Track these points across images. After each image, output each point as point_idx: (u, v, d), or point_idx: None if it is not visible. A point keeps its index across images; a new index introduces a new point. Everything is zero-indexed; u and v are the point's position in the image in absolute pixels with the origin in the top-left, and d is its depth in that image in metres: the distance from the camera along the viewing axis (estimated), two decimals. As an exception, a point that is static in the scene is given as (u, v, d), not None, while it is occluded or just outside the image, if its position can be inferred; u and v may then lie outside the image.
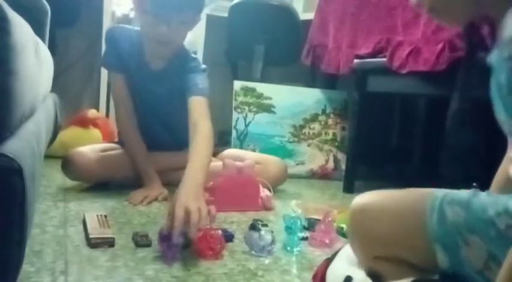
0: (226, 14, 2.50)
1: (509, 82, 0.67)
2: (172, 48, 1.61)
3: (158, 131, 1.73)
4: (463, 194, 0.72)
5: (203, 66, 1.68)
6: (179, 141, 1.75)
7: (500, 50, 0.69)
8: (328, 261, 0.86)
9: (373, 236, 0.77)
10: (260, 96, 2.21)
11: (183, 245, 1.03)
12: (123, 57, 1.65)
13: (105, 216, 1.19)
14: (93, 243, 1.04)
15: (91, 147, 1.65)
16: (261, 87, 2.23)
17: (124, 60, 1.65)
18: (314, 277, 0.87)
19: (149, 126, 1.70)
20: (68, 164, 1.56)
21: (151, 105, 1.70)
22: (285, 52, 2.51)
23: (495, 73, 0.70)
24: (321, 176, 2.20)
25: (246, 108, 2.19)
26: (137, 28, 1.68)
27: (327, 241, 1.18)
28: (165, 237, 1.02)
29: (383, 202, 0.78)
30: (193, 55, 1.71)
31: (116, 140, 1.96)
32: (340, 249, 0.88)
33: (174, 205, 1.07)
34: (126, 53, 1.65)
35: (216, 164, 1.58)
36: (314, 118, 2.26)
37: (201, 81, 1.60)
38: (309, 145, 2.23)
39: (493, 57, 0.70)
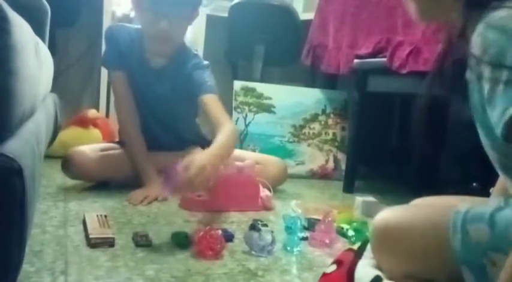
0: (226, 14, 2.51)
1: (482, 101, 0.66)
2: (172, 45, 1.62)
3: (158, 130, 1.73)
4: (486, 208, 0.69)
5: (205, 62, 1.69)
6: (179, 141, 1.76)
7: (469, 71, 0.68)
8: (355, 254, 0.86)
9: (399, 254, 0.75)
10: (260, 96, 2.21)
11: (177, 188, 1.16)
12: (123, 55, 1.65)
13: (105, 216, 1.19)
14: (93, 243, 1.04)
15: (91, 146, 1.65)
16: (261, 87, 2.24)
17: (124, 58, 1.65)
18: (339, 264, 0.87)
19: (149, 125, 1.70)
20: (67, 163, 1.56)
21: (152, 104, 1.70)
22: (285, 52, 2.51)
23: (470, 96, 0.70)
24: (321, 176, 2.20)
25: (246, 108, 2.19)
26: (137, 26, 1.68)
27: (327, 241, 1.18)
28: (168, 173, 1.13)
29: (407, 218, 0.76)
30: (194, 52, 1.72)
31: (116, 140, 1.96)
32: (366, 244, 0.87)
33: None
34: (127, 51, 1.65)
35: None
36: (314, 118, 2.26)
37: (208, 78, 1.63)
38: (309, 145, 2.23)
39: (468, 79, 0.70)
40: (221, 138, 1.39)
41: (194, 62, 1.66)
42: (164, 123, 1.74)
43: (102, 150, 1.65)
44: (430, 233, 0.72)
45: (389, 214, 0.78)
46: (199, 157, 1.23)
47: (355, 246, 0.92)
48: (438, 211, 0.74)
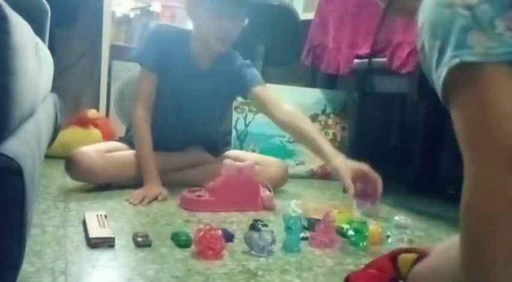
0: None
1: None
2: (227, 46, 1.63)
3: (174, 131, 1.72)
4: None
5: (247, 61, 1.73)
6: (188, 142, 1.76)
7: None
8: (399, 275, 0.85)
9: None
10: (260, 96, 2.20)
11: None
12: (164, 57, 1.64)
13: (105, 216, 1.19)
14: (93, 243, 1.04)
15: (95, 147, 1.62)
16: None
17: (166, 60, 1.64)
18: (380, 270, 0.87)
19: (167, 126, 1.70)
20: (71, 165, 1.54)
21: (185, 105, 1.70)
22: (285, 52, 2.51)
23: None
24: (321, 176, 2.20)
25: (246, 108, 2.19)
26: (181, 27, 1.68)
27: (327, 241, 1.18)
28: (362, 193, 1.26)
29: (436, 269, 0.74)
30: (235, 52, 1.74)
31: (117, 138, 1.95)
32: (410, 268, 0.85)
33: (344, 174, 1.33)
34: (170, 53, 1.64)
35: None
36: (314, 118, 2.26)
37: (256, 73, 1.72)
38: (309, 145, 2.23)
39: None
40: (321, 136, 1.52)
41: (240, 62, 1.72)
42: (186, 124, 1.73)
43: (107, 151, 1.63)
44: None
45: (422, 266, 0.77)
46: (363, 165, 1.38)
47: (400, 262, 0.87)
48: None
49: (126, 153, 1.65)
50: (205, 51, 1.64)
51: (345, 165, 1.33)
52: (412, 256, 0.85)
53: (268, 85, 2.26)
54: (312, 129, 1.51)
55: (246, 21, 1.61)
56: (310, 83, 2.48)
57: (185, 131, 1.74)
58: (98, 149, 1.61)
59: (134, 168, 1.61)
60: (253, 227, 1.15)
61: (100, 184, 1.57)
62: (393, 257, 0.88)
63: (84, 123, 2.19)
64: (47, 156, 1.44)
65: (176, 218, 1.33)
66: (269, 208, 1.51)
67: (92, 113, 2.24)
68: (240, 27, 1.60)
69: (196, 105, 1.71)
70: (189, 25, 1.73)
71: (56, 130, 1.62)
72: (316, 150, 1.44)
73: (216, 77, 1.70)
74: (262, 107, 1.67)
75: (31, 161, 0.72)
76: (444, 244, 0.79)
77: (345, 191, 1.27)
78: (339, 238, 1.22)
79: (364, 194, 1.23)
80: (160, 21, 2.48)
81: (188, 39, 1.65)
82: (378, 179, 1.30)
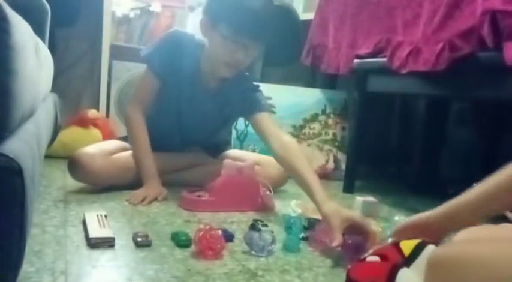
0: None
1: None
2: (234, 73, 1.59)
3: (175, 136, 1.72)
4: None
5: (256, 84, 1.70)
6: (188, 145, 1.76)
7: None
8: (404, 259, 0.83)
9: None
10: (260, 96, 2.20)
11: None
12: (174, 67, 1.61)
13: (105, 216, 1.19)
14: (93, 243, 1.04)
15: (100, 148, 1.60)
16: (261, 87, 2.23)
17: (174, 71, 1.61)
18: (383, 258, 0.85)
19: (167, 129, 1.69)
20: (75, 166, 1.52)
21: (191, 117, 1.69)
22: (285, 52, 2.51)
23: None
24: (321, 176, 2.19)
25: (246, 108, 2.18)
26: (198, 38, 1.63)
27: (327, 241, 1.18)
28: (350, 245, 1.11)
29: (472, 253, 0.67)
30: (246, 73, 1.71)
31: (117, 138, 1.95)
32: (418, 253, 0.84)
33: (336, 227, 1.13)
34: (182, 65, 1.61)
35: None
36: (314, 118, 2.26)
37: (261, 98, 1.66)
38: (309, 145, 2.23)
39: None
40: (314, 177, 1.35)
41: (248, 86, 1.68)
42: (186, 132, 1.73)
43: (111, 152, 1.61)
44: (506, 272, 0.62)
45: (451, 248, 0.70)
46: (355, 214, 1.21)
47: (402, 246, 0.87)
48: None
49: (129, 154, 1.64)
50: (214, 71, 1.61)
51: (335, 213, 1.16)
52: (413, 241, 0.86)
53: (268, 85, 2.27)
54: (306, 170, 1.37)
55: (258, 52, 1.58)
56: (310, 83, 2.48)
57: (185, 136, 1.74)
58: (101, 150, 1.59)
59: (137, 170, 1.60)
60: (253, 227, 1.15)
61: (103, 186, 1.57)
62: (395, 243, 0.88)
63: (84, 123, 2.19)
64: (47, 156, 1.45)
65: (176, 218, 1.33)
66: (269, 208, 1.51)
67: (92, 113, 2.24)
68: (254, 55, 1.57)
69: (198, 118, 1.70)
70: (197, 31, 1.69)
71: (56, 130, 1.62)
72: (307, 191, 1.32)
73: (221, 97, 1.68)
74: (260, 134, 1.59)
75: (31, 161, 0.72)
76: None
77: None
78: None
79: (352, 247, 1.10)
80: (157, 25, 2.47)
81: (200, 55, 1.62)
82: (369, 231, 1.16)
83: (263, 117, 1.59)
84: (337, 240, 1.09)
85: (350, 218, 1.15)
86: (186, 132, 1.74)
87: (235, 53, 1.51)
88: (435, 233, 0.92)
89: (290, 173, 1.47)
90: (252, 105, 1.62)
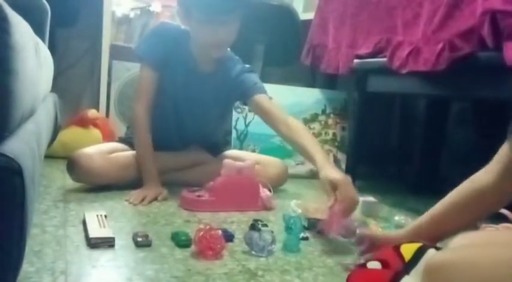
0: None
1: None
2: (225, 50, 1.63)
3: (175, 132, 1.72)
4: None
5: (247, 65, 1.72)
6: (188, 143, 1.76)
7: None
8: (405, 266, 0.82)
9: None
10: (260, 96, 2.20)
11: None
12: (168, 57, 1.63)
13: (105, 216, 1.19)
14: (93, 243, 1.04)
15: (98, 149, 1.61)
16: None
17: (168, 60, 1.63)
18: (384, 264, 0.85)
19: (167, 126, 1.69)
20: (73, 167, 1.52)
21: (184, 107, 1.70)
22: (285, 52, 2.51)
23: None
24: (321, 176, 2.20)
25: (246, 108, 2.18)
26: (183, 27, 1.65)
27: (342, 228, 1.14)
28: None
29: (470, 258, 0.67)
30: (235, 56, 1.73)
31: (116, 138, 1.95)
32: (419, 258, 0.83)
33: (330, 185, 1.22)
34: (174, 53, 1.63)
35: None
36: (314, 118, 2.26)
37: (256, 79, 1.70)
38: (309, 145, 2.23)
39: None
40: (317, 147, 1.43)
41: (240, 67, 1.70)
42: (186, 125, 1.73)
43: (109, 152, 1.62)
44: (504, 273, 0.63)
45: (445, 255, 0.70)
46: (340, 177, 1.24)
47: (402, 250, 0.86)
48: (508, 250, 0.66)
49: (128, 154, 1.64)
50: (206, 55, 1.64)
51: (327, 176, 1.24)
52: (414, 245, 0.85)
53: (268, 85, 2.27)
54: (309, 142, 1.46)
55: (238, 25, 1.59)
56: (310, 83, 2.48)
57: (185, 131, 1.74)
58: (99, 151, 1.59)
59: (136, 170, 1.60)
60: (253, 227, 1.15)
61: (102, 186, 1.57)
62: (396, 247, 0.88)
63: (84, 123, 2.19)
64: (47, 156, 1.45)
65: (176, 218, 1.33)
66: (269, 208, 1.52)
67: (92, 113, 2.24)
68: (235, 30, 1.58)
69: (196, 107, 1.71)
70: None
71: (56, 130, 1.62)
72: (311, 160, 1.41)
73: (217, 81, 1.69)
74: (263, 116, 1.64)
75: (31, 161, 0.72)
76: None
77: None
78: (353, 222, 1.19)
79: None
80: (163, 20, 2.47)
81: (189, 42, 1.64)
82: (353, 196, 1.19)
83: (263, 99, 1.64)
84: (331, 199, 1.18)
85: (334, 182, 1.21)
86: (186, 125, 1.73)
87: (216, 33, 1.53)
88: None
89: (296, 148, 1.56)
90: (249, 87, 1.66)
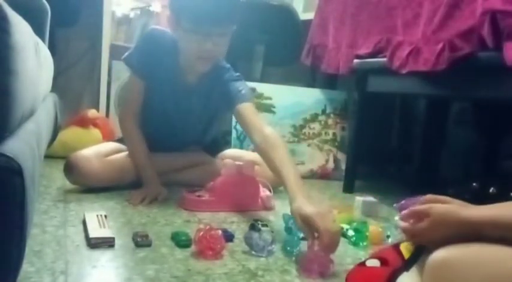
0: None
1: None
2: (212, 64, 1.57)
3: (168, 135, 1.71)
4: None
5: (237, 74, 1.67)
6: (184, 144, 1.76)
7: None
8: (404, 263, 0.81)
9: None
10: (260, 96, 2.21)
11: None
12: (155, 67, 1.60)
13: (105, 216, 1.19)
14: (93, 243, 1.04)
15: (95, 151, 1.60)
16: (261, 87, 2.23)
17: (155, 71, 1.60)
18: (384, 262, 0.84)
19: (159, 130, 1.68)
20: (71, 169, 1.52)
21: (173, 115, 1.68)
22: (285, 52, 2.51)
23: None
24: (321, 176, 2.20)
25: (246, 108, 2.18)
26: (172, 35, 1.59)
27: (319, 269, 1.01)
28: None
29: (471, 257, 0.67)
30: (226, 65, 1.68)
31: (116, 138, 1.95)
32: (418, 255, 0.83)
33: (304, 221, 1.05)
34: (161, 64, 1.61)
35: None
36: (314, 118, 2.26)
37: (242, 87, 1.61)
38: (309, 145, 2.23)
39: None
40: (289, 169, 1.26)
41: (228, 76, 1.64)
42: (179, 131, 1.72)
43: (107, 154, 1.62)
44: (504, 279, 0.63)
45: (450, 251, 0.69)
46: (313, 211, 1.06)
47: (402, 248, 0.86)
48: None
49: (126, 155, 1.64)
50: (191, 67, 1.60)
51: (298, 211, 1.08)
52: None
53: (268, 85, 2.28)
54: (284, 163, 1.28)
55: (228, 40, 1.53)
56: (310, 83, 2.48)
57: (179, 135, 1.74)
58: (97, 153, 1.59)
59: (134, 172, 1.60)
60: (253, 227, 1.14)
61: (101, 187, 1.57)
62: (396, 245, 0.88)
63: (84, 123, 2.19)
64: (47, 156, 1.45)
65: (176, 218, 1.33)
66: (269, 208, 1.52)
67: (92, 113, 2.24)
68: (224, 44, 1.52)
69: (184, 117, 1.70)
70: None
71: (56, 130, 1.62)
72: (284, 186, 1.23)
73: (203, 92, 1.67)
74: (242, 125, 1.56)
75: (31, 161, 0.72)
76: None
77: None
78: (332, 261, 1.02)
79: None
80: (157, 25, 2.47)
81: (177, 52, 1.59)
82: (331, 230, 1.02)
83: (244, 108, 1.54)
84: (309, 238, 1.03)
85: (306, 217, 1.05)
86: (179, 130, 1.73)
87: (202, 44, 1.47)
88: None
89: (269, 166, 1.37)
90: (232, 97, 1.58)
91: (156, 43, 1.61)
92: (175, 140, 1.74)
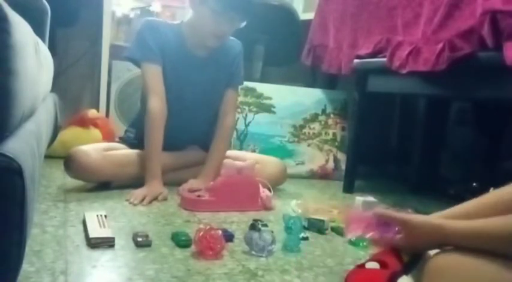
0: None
1: None
2: (220, 43, 1.70)
3: (176, 126, 1.69)
4: None
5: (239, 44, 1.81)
6: (188, 141, 1.77)
7: None
8: (404, 266, 0.81)
9: None
10: (260, 96, 2.21)
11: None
12: (162, 48, 1.67)
13: (105, 216, 1.19)
14: (93, 243, 1.04)
15: (94, 146, 1.63)
16: (261, 87, 2.23)
17: (163, 52, 1.67)
18: (383, 265, 0.84)
19: (170, 121, 1.67)
20: (70, 163, 1.54)
21: (189, 94, 1.72)
22: (285, 52, 2.51)
23: None
24: (321, 176, 2.20)
25: (246, 108, 2.19)
26: (171, 22, 1.76)
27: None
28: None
29: (473, 265, 0.66)
30: (233, 40, 1.80)
31: (117, 139, 1.95)
32: (417, 260, 0.83)
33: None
34: (167, 44, 1.68)
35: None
36: (314, 118, 2.26)
37: (240, 70, 1.82)
38: (309, 145, 2.23)
39: None
40: (212, 157, 1.71)
41: (235, 51, 1.79)
42: (186, 117, 1.74)
43: (105, 149, 1.63)
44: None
45: (448, 258, 0.70)
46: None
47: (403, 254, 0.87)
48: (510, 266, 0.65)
49: (126, 152, 1.65)
50: (199, 42, 1.69)
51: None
52: None
53: (268, 85, 2.28)
54: (215, 151, 1.71)
55: (243, 24, 1.68)
56: (310, 83, 2.48)
57: (185, 126, 1.73)
58: (96, 148, 1.61)
59: (134, 167, 1.61)
60: (253, 227, 1.15)
61: (99, 182, 1.57)
62: (395, 249, 0.87)
63: (84, 123, 2.19)
64: (47, 156, 1.45)
65: (176, 218, 1.33)
66: (269, 208, 1.52)
67: (92, 113, 2.24)
68: (237, 29, 1.68)
69: (195, 94, 1.72)
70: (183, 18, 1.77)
71: (56, 130, 1.62)
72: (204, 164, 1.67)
73: (212, 65, 1.74)
74: (219, 105, 1.78)
75: (31, 161, 0.72)
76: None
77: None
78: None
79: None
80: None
81: (180, 30, 1.70)
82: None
83: (229, 94, 1.79)
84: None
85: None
86: (186, 119, 1.73)
87: (223, 25, 1.62)
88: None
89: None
90: (231, 78, 1.78)
91: (155, 28, 1.69)
92: (184, 132, 1.74)
